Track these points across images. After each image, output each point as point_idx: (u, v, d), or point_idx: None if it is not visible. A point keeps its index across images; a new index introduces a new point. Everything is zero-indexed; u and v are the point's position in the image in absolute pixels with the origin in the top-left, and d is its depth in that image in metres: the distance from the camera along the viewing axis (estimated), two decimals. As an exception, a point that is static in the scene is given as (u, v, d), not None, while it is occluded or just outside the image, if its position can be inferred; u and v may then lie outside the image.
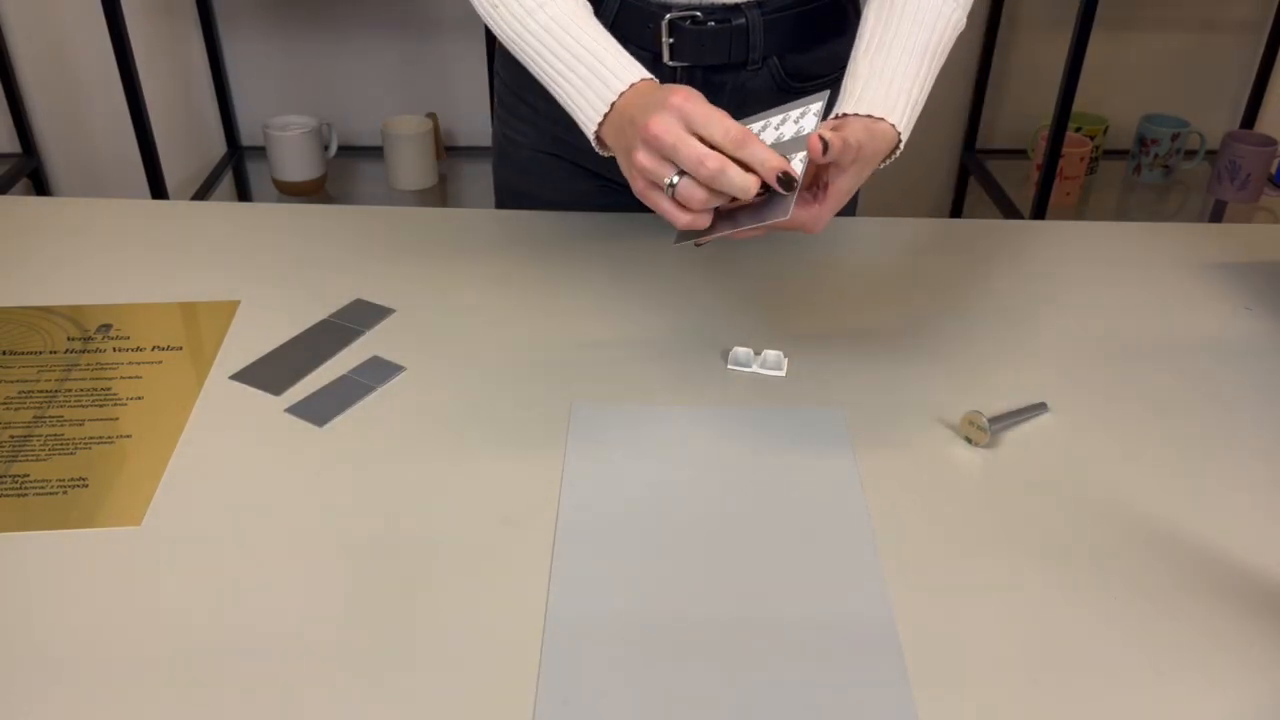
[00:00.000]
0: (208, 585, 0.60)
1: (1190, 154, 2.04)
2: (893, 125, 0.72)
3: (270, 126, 1.90)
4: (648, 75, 0.73)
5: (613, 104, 0.72)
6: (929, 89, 0.77)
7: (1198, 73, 2.10)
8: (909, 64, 0.75)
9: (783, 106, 0.70)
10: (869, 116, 0.72)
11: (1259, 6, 2.03)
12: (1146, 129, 1.98)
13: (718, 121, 0.64)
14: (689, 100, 0.65)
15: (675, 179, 0.65)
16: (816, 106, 0.69)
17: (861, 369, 0.80)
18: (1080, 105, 2.09)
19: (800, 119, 0.68)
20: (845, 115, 0.73)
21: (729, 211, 0.69)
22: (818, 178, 0.71)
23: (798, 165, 0.66)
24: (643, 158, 0.66)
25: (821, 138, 0.65)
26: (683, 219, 0.67)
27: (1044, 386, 0.78)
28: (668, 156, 0.65)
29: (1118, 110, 2.12)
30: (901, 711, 0.53)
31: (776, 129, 0.69)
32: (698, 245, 0.83)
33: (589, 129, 0.74)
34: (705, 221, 0.67)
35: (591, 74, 0.74)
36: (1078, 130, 2.01)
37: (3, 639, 0.56)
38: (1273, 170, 1.95)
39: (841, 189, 0.70)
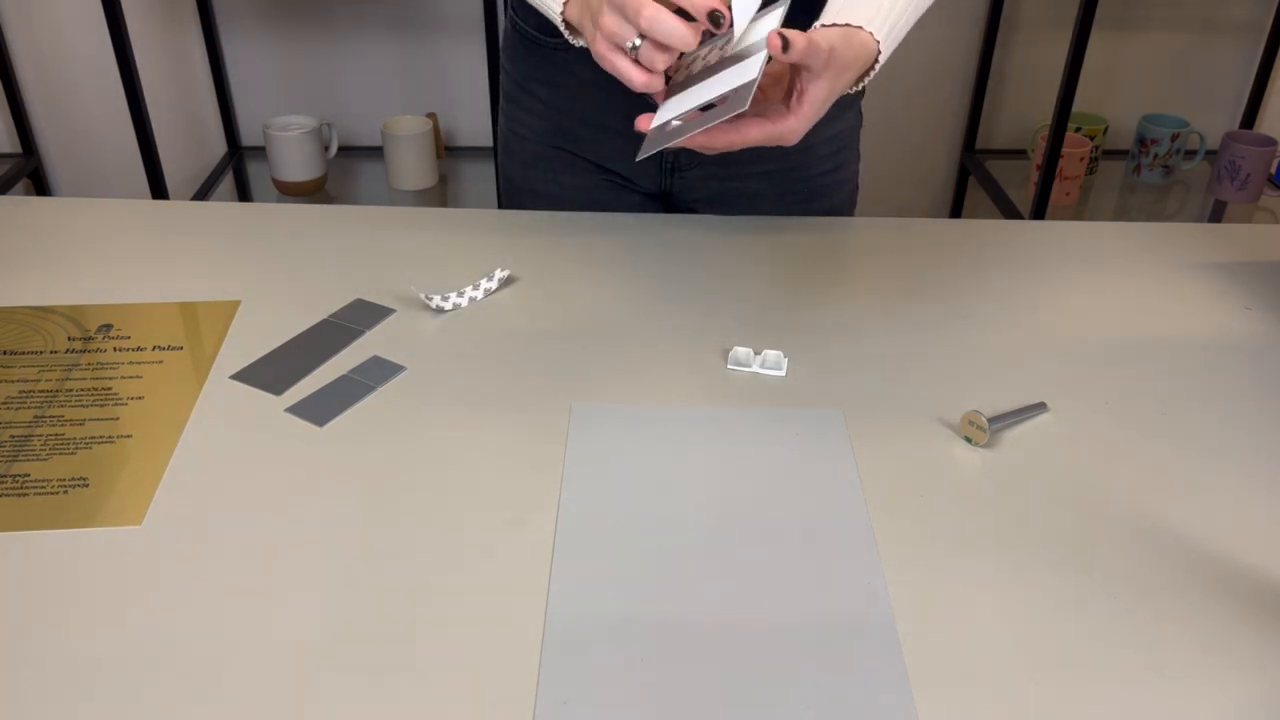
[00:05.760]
0: (208, 585, 0.60)
1: (1190, 154, 2.04)
2: (871, 34, 0.72)
3: (270, 127, 1.90)
4: None
5: None
6: (914, 18, 0.77)
7: (1198, 73, 2.10)
8: None
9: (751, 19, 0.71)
10: (847, 25, 0.72)
11: (1259, 6, 2.03)
12: (1146, 129, 1.99)
13: None
14: None
15: (638, 41, 0.68)
16: (779, 11, 0.70)
17: (861, 369, 0.80)
18: (1080, 105, 2.09)
19: (761, 20, 0.69)
20: (823, 26, 0.74)
21: (695, 114, 0.69)
22: (792, 85, 0.71)
23: (758, 64, 0.67)
24: (608, 20, 0.68)
25: (781, 34, 0.65)
26: (639, 79, 0.69)
27: (1044, 386, 0.79)
28: (629, 19, 0.67)
29: (1118, 110, 2.12)
30: (901, 711, 0.53)
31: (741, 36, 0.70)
32: (665, 149, 0.84)
33: (554, 12, 0.76)
34: (659, 84, 0.69)
35: None
36: (1078, 130, 2.01)
37: (3, 639, 0.56)
38: (1273, 170, 1.95)
39: (817, 98, 0.70)
